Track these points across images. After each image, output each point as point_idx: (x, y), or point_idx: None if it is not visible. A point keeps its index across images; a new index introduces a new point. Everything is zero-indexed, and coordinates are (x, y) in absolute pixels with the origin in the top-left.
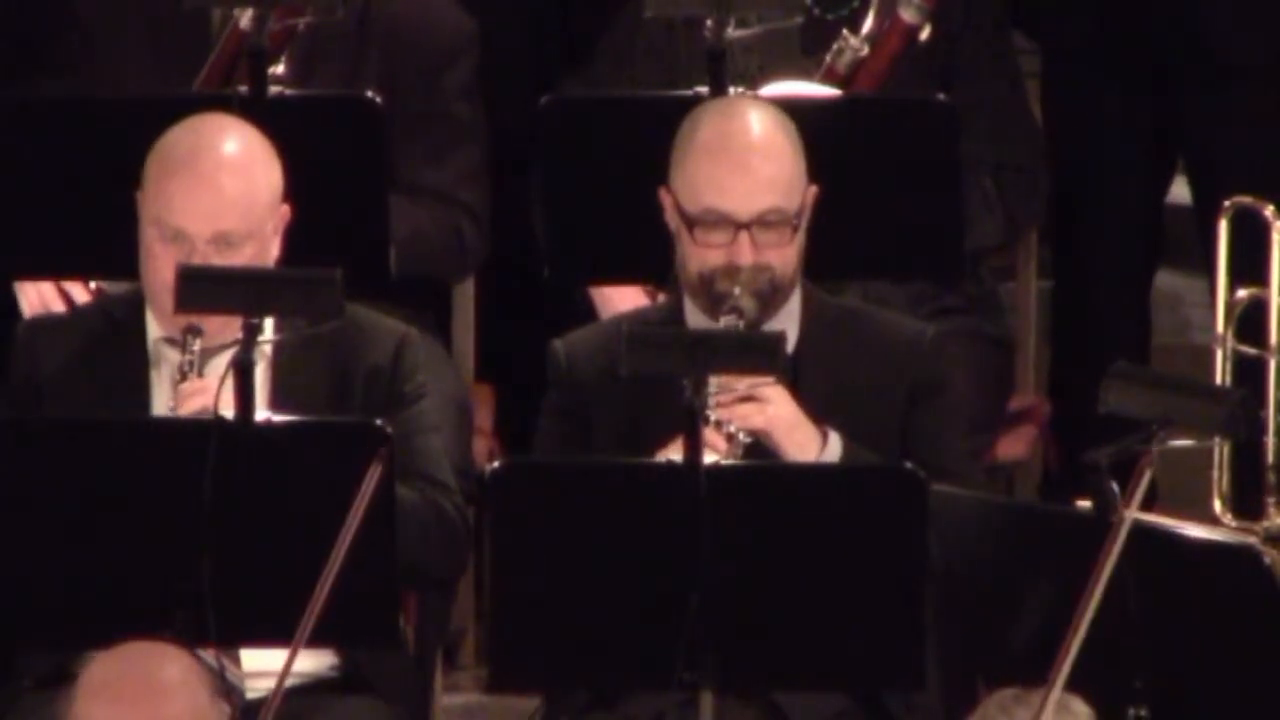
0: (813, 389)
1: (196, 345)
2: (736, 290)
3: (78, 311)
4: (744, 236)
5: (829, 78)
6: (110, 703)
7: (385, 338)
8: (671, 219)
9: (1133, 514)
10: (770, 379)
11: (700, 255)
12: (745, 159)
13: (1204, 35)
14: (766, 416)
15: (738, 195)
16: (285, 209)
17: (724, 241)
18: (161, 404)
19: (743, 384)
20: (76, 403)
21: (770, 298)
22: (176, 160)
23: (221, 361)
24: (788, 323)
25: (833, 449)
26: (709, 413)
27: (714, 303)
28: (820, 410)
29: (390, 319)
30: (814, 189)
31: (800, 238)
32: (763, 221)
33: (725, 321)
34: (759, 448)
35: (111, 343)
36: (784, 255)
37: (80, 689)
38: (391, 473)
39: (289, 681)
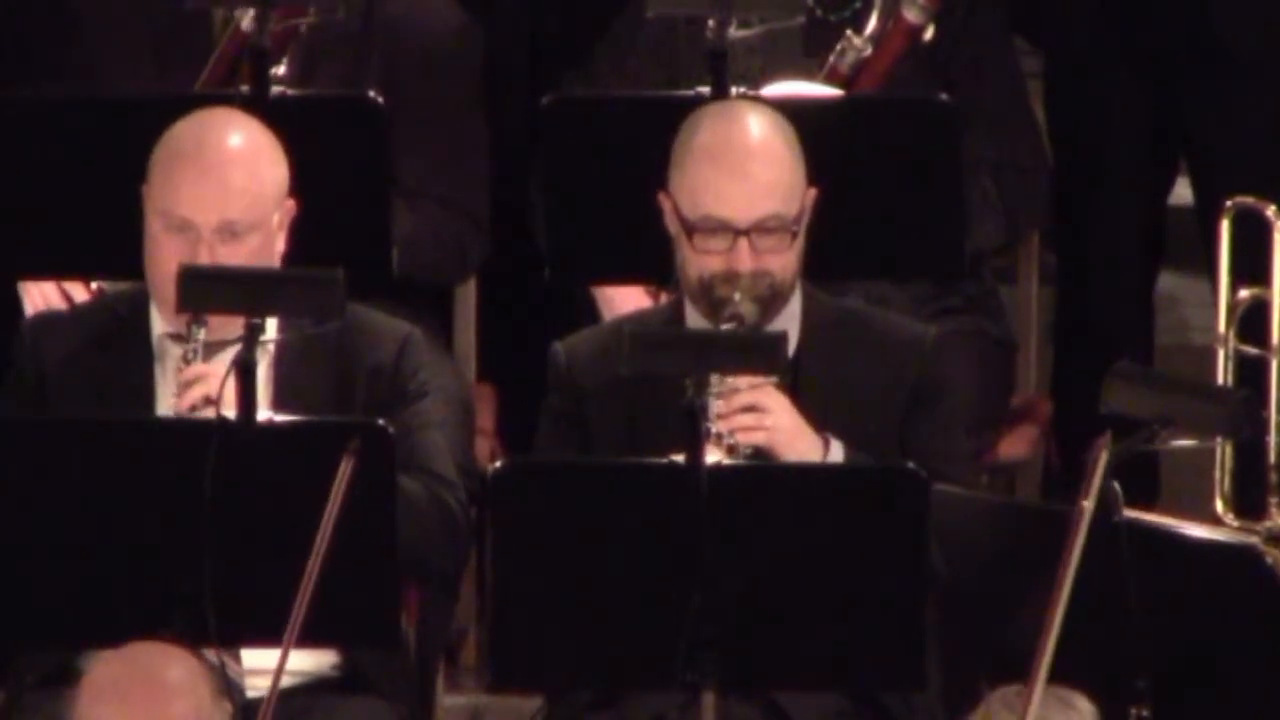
0: (814, 391)
1: (201, 334)
2: (736, 296)
3: (82, 308)
4: (743, 243)
5: (832, 78)
6: (114, 703)
7: (388, 337)
8: (671, 224)
9: (1091, 505)
10: (769, 382)
11: (699, 261)
12: (744, 165)
13: (1206, 35)
14: (767, 430)
15: (737, 202)
16: (291, 203)
17: (723, 248)
18: (166, 400)
19: (744, 383)
20: (81, 399)
21: (770, 303)
22: (183, 151)
23: (225, 356)
24: (788, 325)
25: (834, 457)
26: (709, 425)
27: (714, 308)
28: (821, 412)
29: (393, 319)
30: (813, 192)
31: (800, 242)
32: (762, 228)
33: (725, 328)
34: (760, 454)
35: (115, 339)
36: (783, 261)
37: (84, 689)
38: (382, 469)
39: (290, 680)
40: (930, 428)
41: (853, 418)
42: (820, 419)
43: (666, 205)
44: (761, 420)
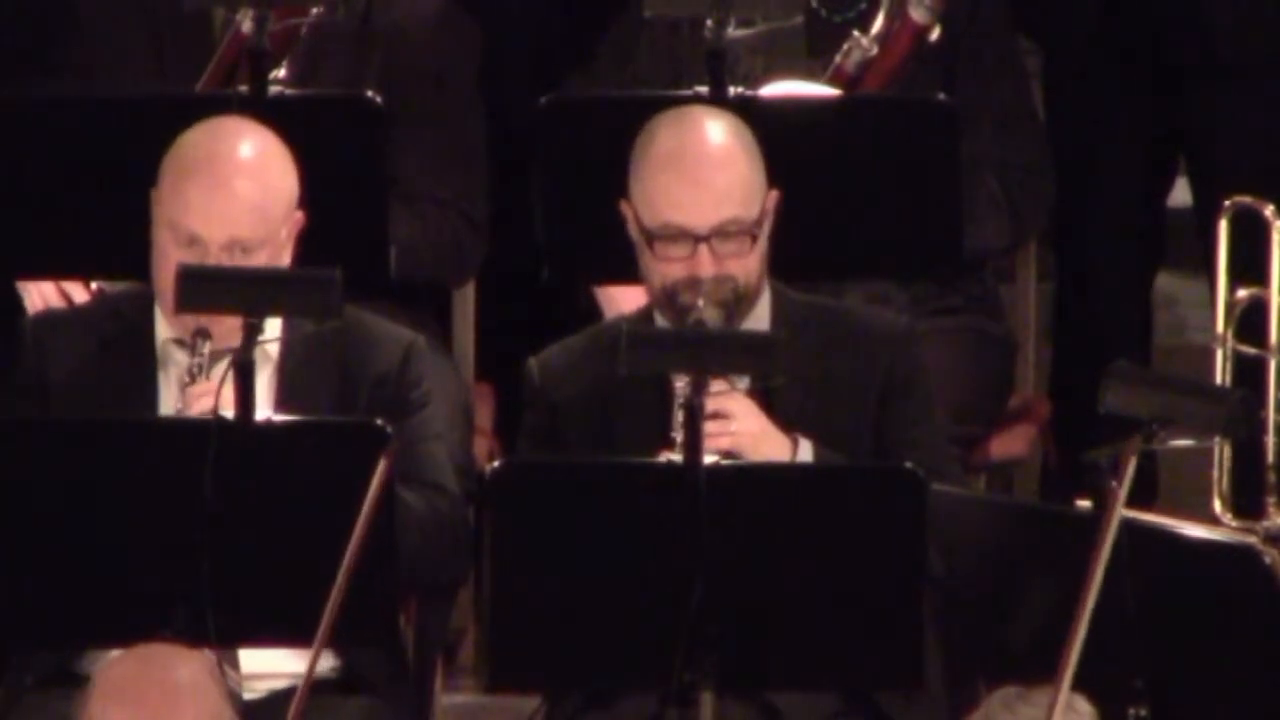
0: (787, 388)
1: (206, 349)
2: (700, 302)
3: (85, 308)
4: (704, 249)
5: (837, 77)
6: (127, 705)
7: (392, 344)
8: (633, 232)
9: (1123, 498)
10: (737, 389)
11: (662, 269)
12: (700, 171)
13: (1205, 35)
14: (732, 435)
15: (695, 208)
16: (299, 215)
17: (684, 254)
18: (168, 405)
19: (715, 386)
20: (83, 402)
21: (734, 306)
22: (193, 164)
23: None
24: (757, 326)
25: (803, 456)
26: (674, 435)
27: (678, 315)
28: (796, 409)
29: (397, 326)
30: (774, 194)
31: (762, 244)
32: (721, 233)
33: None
34: (727, 458)
35: (120, 342)
36: (745, 264)
37: (96, 690)
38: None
39: (287, 683)
40: (906, 417)
41: (828, 413)
42: (795, 416)
43: (627, 213)
44: (725, 426)
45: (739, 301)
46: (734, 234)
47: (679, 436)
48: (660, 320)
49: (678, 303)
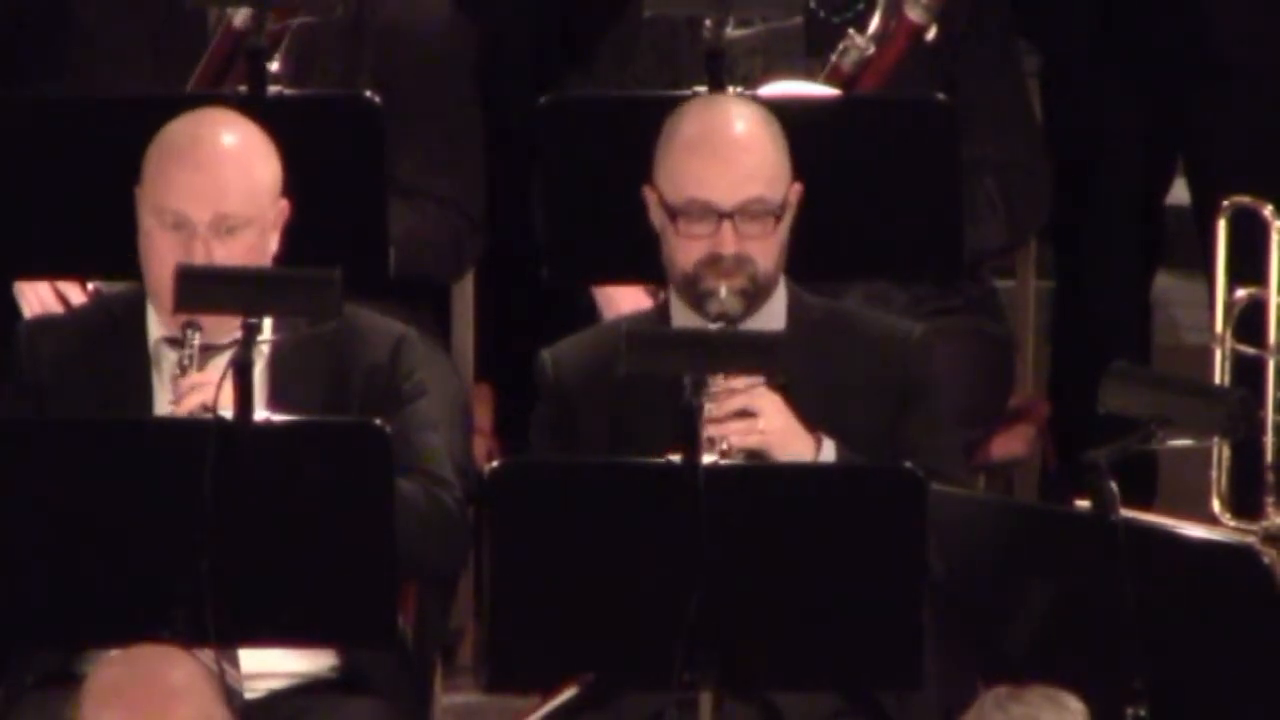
0: (800, 390)
1: (196, 340)
2: (722, 292)
3: (79, 311)
4: (727, 226)
5: (834, 77)
6: (119, 707)
7: (383, 337)
8: (656, 215)
9: None
10: (761, 383)
11: (685, 248)
12: (727, 151)
13: (1204, 35)
14: (760, 433)
15: (720, 185)
16: (284, 204)
17: (707, 232)
18: (162, 404)
19: (739, 383)
20: (78, 403)
21: (753, 297)
22: (177, 148)
23: (221, 360)
24: (773, 323)
25: (826, 455)
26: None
27: (699, 301)
28: (809, 411)
29: (388, 319)
30: (798, 187)
31: (783, 232)
32: (745, 211)
33: (714, 327)
34: (753, 456)
35: (112, 342)
36: (766, 248)
37: (88, 693)
38: (379, 469)
39: (286, 682)
40: (918, 425)
41: (840, 416)
42: (806, 416)
43: (651, 198)
44: (754, 424)
45: (757, 292)
46: (758, 214)
47: (705, 432)
48: (679, 311)
49: (699, 289)
